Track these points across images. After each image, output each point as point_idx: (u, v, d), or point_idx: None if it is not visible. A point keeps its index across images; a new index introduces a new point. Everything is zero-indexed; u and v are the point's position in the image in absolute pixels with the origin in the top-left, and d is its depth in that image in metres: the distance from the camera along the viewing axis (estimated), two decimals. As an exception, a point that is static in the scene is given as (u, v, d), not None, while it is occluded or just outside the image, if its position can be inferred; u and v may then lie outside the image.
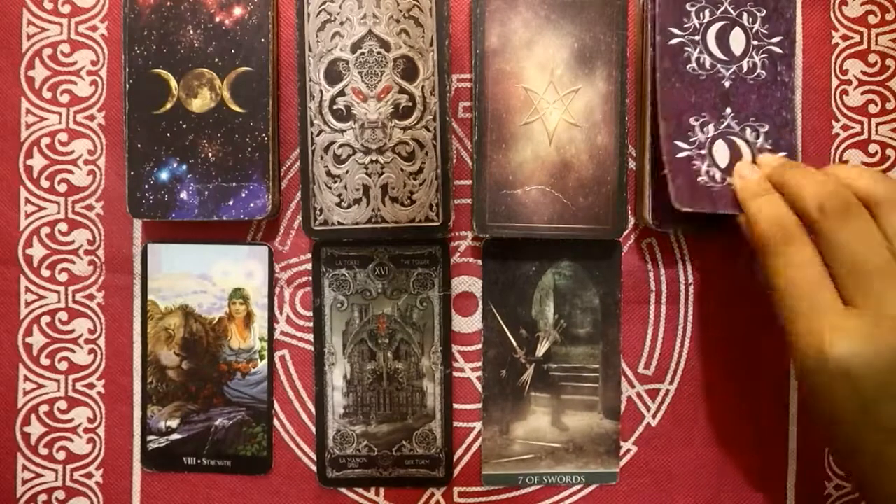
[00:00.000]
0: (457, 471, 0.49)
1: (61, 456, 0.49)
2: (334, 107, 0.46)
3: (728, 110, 0.45)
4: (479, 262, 0.49)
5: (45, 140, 0.49)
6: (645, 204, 0.47)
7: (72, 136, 0.49)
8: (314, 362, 0.49)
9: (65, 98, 0.49)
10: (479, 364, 0.49)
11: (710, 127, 0.45)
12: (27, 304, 0.49)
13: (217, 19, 0.46)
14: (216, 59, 0.46)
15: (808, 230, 0.38)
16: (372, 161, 0.46)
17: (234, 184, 0.46)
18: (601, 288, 0.48)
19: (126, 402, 0.49)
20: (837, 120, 0.49)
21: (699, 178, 0.44)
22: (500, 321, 0.49)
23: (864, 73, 0.49)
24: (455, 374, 0.49)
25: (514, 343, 0.49)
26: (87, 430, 0.49)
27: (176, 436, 0.49)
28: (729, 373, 0.49)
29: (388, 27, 0.46)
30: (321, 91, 0.46)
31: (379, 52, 0.46)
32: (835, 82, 0.49)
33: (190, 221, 0.47)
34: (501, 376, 0.49)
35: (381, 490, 0.49)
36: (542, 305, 0.48)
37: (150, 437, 0.49)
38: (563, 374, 0.48)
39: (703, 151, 0.45)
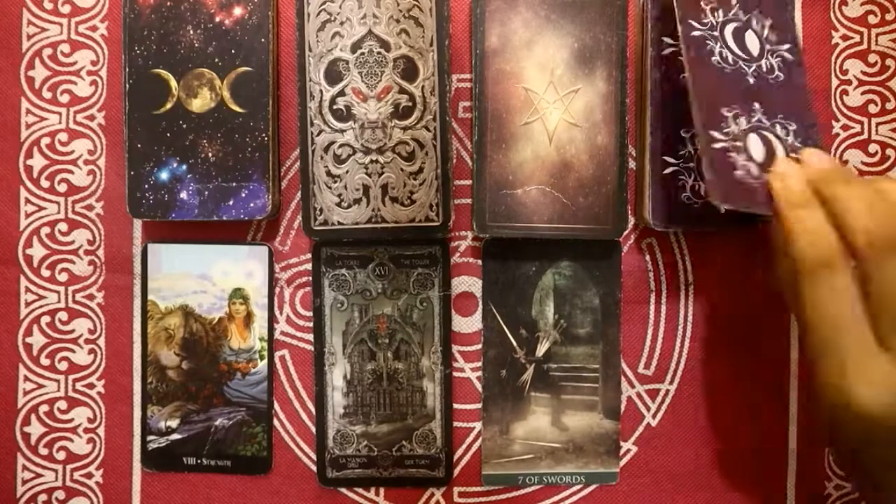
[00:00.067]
0: (457, 471, 0.49)
1: (61, 456, 0.49)
2: (334, 107, 0.46)
3: (756, 105, 0.43)
4: (479, 262, 0.49)
5: (45, 140, 0.49)
6: (645, 204, 0.47)
7: (72, 136, 0.49)
8: (314, 362, 0.49)
9: (65, 98, 0.49)
10: (479, 364, 0.49)
11: (743, 119, 0.42)
12: (27, 304, 0.49)
13: (217, 19, 0.46)
14: (216, 59, 0.46)
15: (848, 254, 0.35)
16: (372, 161, 0.46)
17: (234, 184, 0.46)
18: (601, 288, 0.48)
19: (126, 402, 0.49)
20: (837, 120, 0.49)
21: (736, 172, 0.41)
22: (500, 321, 0.49)
23: (864, 73, 0.49)
24: (455, 374, 0.49)
25: (514, 343, 0.49)
26: (87, 430, 0.49)
27: (176, 436, 0.49)
28: (729, 373, 0.49)
29: (388, 27, 0.46)
30: (321, 91, 0.46)
31: (379, 52, 0.46)
32: (835, 82, 0.49)
33: (190, 221, 0.47)
34: (501, 376, 0.49)
35: (381, 490, 0.49)
36: (542, 305, 0.48)
37: (150, 437, 0.49)
38: (563, 374, 0.48)
39: (738, 143, 0.41)
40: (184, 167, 0.46)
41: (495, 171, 0.46)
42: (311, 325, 0.49)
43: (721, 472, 0.49)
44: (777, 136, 0.43)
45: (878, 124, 0.49)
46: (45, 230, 0.49)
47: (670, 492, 0.49)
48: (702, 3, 0.45)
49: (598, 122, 0.46)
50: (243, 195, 0.46)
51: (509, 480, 0.49)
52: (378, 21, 0.46)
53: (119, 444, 0.49)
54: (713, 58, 0.43)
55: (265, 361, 0.49)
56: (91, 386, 0.49)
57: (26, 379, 0.49)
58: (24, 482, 0.49)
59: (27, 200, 0.49)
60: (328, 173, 0.46)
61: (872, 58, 0.49)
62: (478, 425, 0.49)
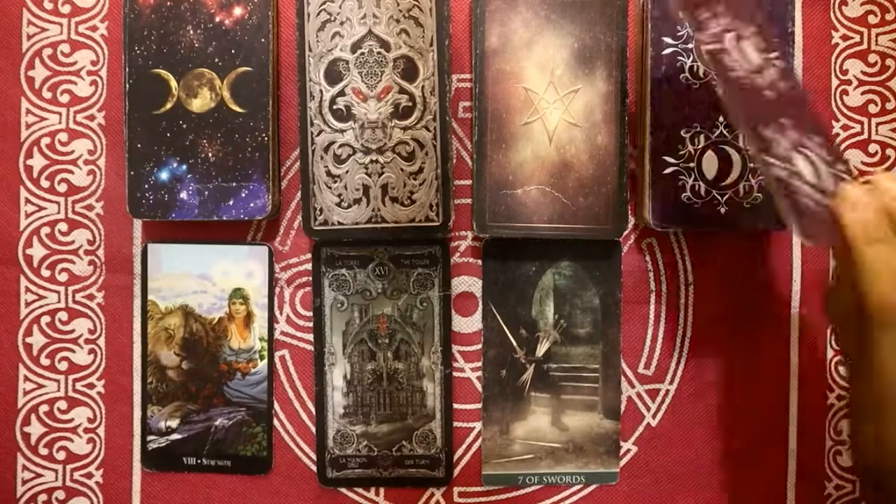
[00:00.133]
0: (457, 471, 0.49)
1: (61, 456, 0.49)
2: (334, 107, 0.46)
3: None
4: (479, 262, 0.49)
5: (45, 140, 0.49)
6: (645, 204, 0.47)
7: (72, 136, 0.49)
8: (314, 362, 0.49)
9: (65, 98, 0.49)
10: (479, 364, 0.49)
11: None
12: (27, 304, 0.49)
13: (217, 19, 0.46)
14: (216, 59, 0.46)
15: None
16: (372, 161, 0.46)
17: (234, 184, 0.46)
18: (601, 288, 0.48)
19: (126, 402, 0.49)
20: (837, 120, 0.49)
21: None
22: (500, 321, 0.49)
23: (864, 73, 0.49)
24: (455, 374, 0.49)
25: (514, 343, 0.48)
26: (87, 430, 0.49)
27: (176, 436, 0.49)
28: (729, 373, 0.49)
29: (388, 27, 0.46)
30: (321, 91, 0.46)
31: (379, 52, 0.46)
32: (835, 82, 0.49)
33: (190, 221, 0.47)
34: (501, 376, 0.49)
35: (381, 490, 0.49)
36: (542, 305, 0.48)
37: (150, 437, 0.49)
38: (563, 374, 0.48)
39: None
40: (184, 167, 0.46)
41: (495, 171, 0.46)
42: (311, 325, 0.49)
43: (721, 472, 0.49)
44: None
45: (878, 124, 0.49)
46: (45, 230, 0.49)
47: (670, 492, 0.49)
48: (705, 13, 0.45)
49: (598, 122, 0.46)
50: (243, 195, 0.46)
51: (509, 480, 0.49)
52: (378, 21, 0.46)
53: (119, 444, 0.49)
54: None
55: (265, 361, 0.49)
56: (91, 386, 0.49)
57: (26, 379, 0.49)
58: (24, 482, 0.49)
59: (27, 200, 0.49)
60: (328, 173, 0.46)
61: (872, 58, 0.49)
62: (478, 425, 0.49)
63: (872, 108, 0.49)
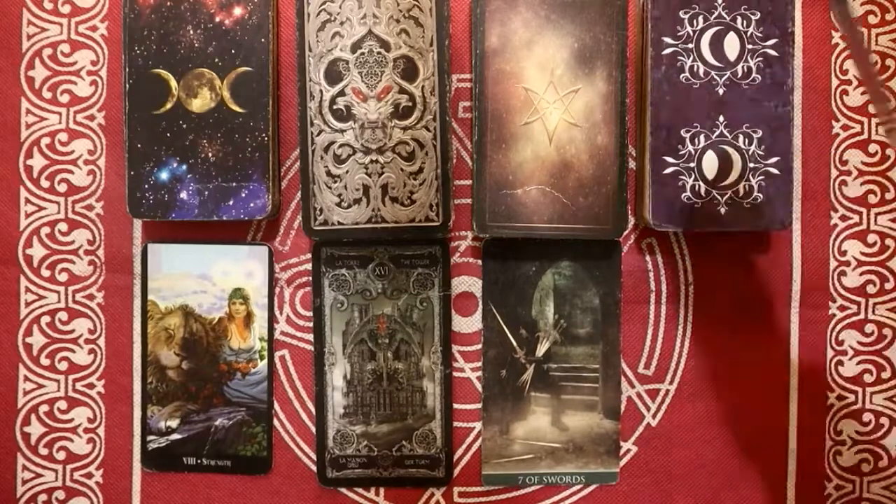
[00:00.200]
0: (457, 471, 0.49)
1: (61, 456, 0.49)
2: (334, 107, 0.46)
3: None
4: (479, 262, 0.49)
5: (45, 140, 0.49)
6: (645, 204, 0.47)
7: (72, 136, 0.49)
8: (314, 362, 0.49)
9: (65, 98, 0.49)
10: (479, 364, 0.49)
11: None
12: (27, 304, 0.49)
13: (217, 19, 0.46)
14: (216, 59, 0.46)
15: None
16: (372, 161, 0.46)
17: (234, 184, 0.46)
18: (601, 288, 0.48)
19: (126, 402, 0.49)
20: (837, 120, 0.49)
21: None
22: (500, 321, 0.49)
23: (864, 73, 0.49)
24: (455, 374, 0.49)
25: (514, 343, 0.49)
26: (87, 430, 0.49)
27: (176, 436, 0.49)
28: (729, 373, 0.49)
29: (388, 27, 0.46)
30: (321, 91, 0.46)
31: (379, 52, 0.46)
32: (835, 82, 0.49)
33: (190, 221, 0.47)
34: (501, 376, 0.49)
35: (381, 490, 0.49)
36: (542, 305, 0.48)
37: (150, 437, 0.49)
38: (563, 374, 0.48)
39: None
40: (184, 167, 0.46)
41: (495, 171, 0.46)
42: (311, 325, 0.49)
43: (721, 472, 0.49)
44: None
45: (878, 124, 0.49)
46: (45, 230, 0.49)
47: (670, 492, 0.49)
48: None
49: (598, 122, 0.46)
50: (243, 195, 0.46)
51: (509, 480, 0.49)
52: (378, 21, 0.46)
53: (119, 444, 0.49)
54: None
55: (265, 361, 0.49)
56: (91, 386, 0.49)
57: (26, 379, 0.49)
58: (24, 482, 0.49)
59: (27, 200, 0.49)
60: (328, 173, 0.46)
61: (873, 57, 0.49)
62: (478, 425, 0.49)
63: (873, 108, 0.49)
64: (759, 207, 0.46)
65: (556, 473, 0.49)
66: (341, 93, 0.46)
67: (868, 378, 0.49)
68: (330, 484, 0.49)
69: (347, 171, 0.46)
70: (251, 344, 0.49)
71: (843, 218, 0.49)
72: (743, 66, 0.46)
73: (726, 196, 0.46)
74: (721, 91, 0.46)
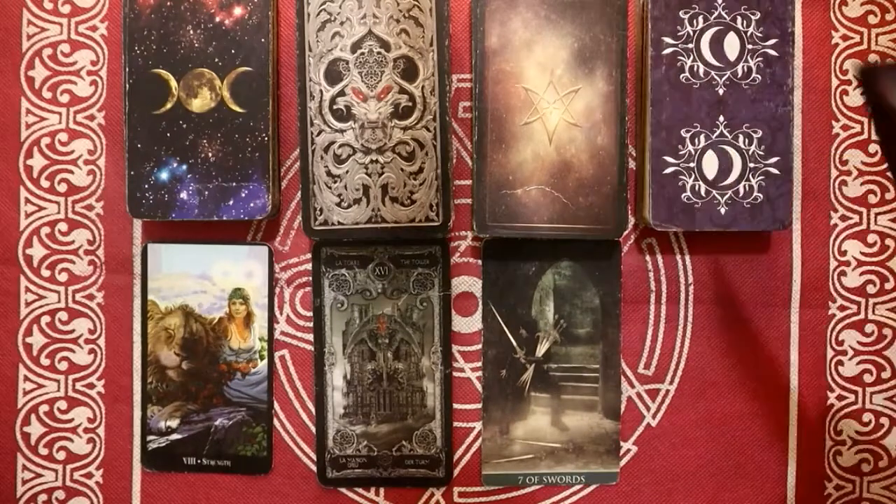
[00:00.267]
0: (457, 471, 0.49)
1: (61, 456, 0.49)
2: (334, 107, 0.46)
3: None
4: (479, 262, 0.49)
5: (45, 140, 0.49)
6: (645, 204, 0.47)
7: (72, 136, 0.49)
8: (314, 362, 0.49)
9: (65, 98, 0.49)
10: (479, 364, 0.49)
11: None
12: (27, 304, 0.49)
13: (217, 19, 0.46)
14: (216, 59, 0.46)
15: None
16: (372, 161, 0.46)
17: (234, 184, 0.46)
18: (601, 288, 0.48)
19: (126, 402, 0.49)
20: (837, 120, 0.49)
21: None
22: (500, 321, 0.49)
23: (864, 73, 0.49)
24: (455, 374, 0.49)
25: (514, 343, 0.48)
26: (87, 430, 0.49)
27: (176, 436, 0.49)
28: (729, 373, 0.49)
29: (388, 27, 0.46)
30: (321, 91, 0.46)
31: (379, 52, 0.46)
32: (835, 82, 0.49)
33: (190, 221, 0.47)
34: (501, 376, 0.49)
35: (381, 490, 0.49)
36: (542, 305, 0.48)
37: (150, 437, 0.49)
38: (563, 374, 0.48)
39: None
40: (184, 167, 0.46)
41: (495, 171, 0.46)
42: (311, 325, 0.49)
43: (721, 472, 0.49)
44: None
45: (878, 124, 0.49)
46: (45, 230, 0.49)
47: (670, 492, 0.49)
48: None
49: (598, 122, 0.46)
50: (243, 195, 0.46)
51: (509, 480, 0.49)
52: (378, 21, 0.46)
53: (119, 444, 0.49)
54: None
55: (265, 361, 0.49)
56: (91, 386, 0.49)
57: (26, 379, 0.49)
58: (24, 482, 0.49)
59: (27, 200, 0.49)
60: (328, 173, 0.46)
61: (872, 58, 0.49)
62: (478, 425, 0.49)
63: None
64: (759, 207, 0.46)
65: (556, 473, 0.49)
66: (341, 93, 0.46)
67: (868, 378, 0.49)
68: (330, 484, 0.49)
69: (347, 171, 0.46)
70: (251, 344, 0.49)
71: (843, 218, 0.49)
72: (743, 66, 0.46)
73: (726, 196, 0.46)
74: (721, 91, 0.46)
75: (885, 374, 0.49)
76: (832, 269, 0.49)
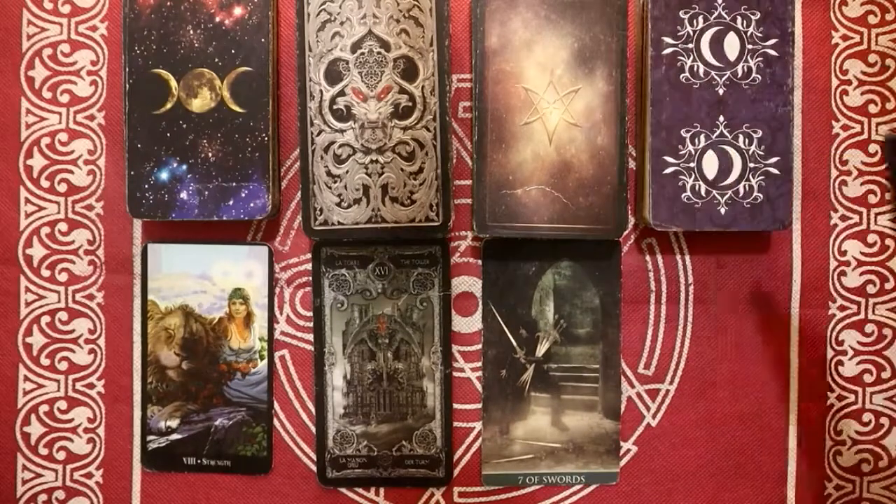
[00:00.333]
0: (457, 471, 0.49)
1: (61, 456, 0.49)
2: (334, 107, 0.46)
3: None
4: (479, 262, 0.49)
5: (45, 140, 0.49)
6: (645, 204, 0.47)
7: (72, 136, 0.49)
8: (314, 362, 0.49)
9: (65, 98, 0.49)
10: (479, 364, 0.49)
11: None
12: (27, 304, 0.49)
13: (217, 19, 0.46)
14: (216, 59, 0.46)
15: None
16: (372, 161, 0.46)
17: (234, 184, 0.46)
18: (601, 288, 0.48)
19: (126, 402, 0.49)
20: (837, 120, 0.49)
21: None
22: (500, 321, 0.49)
23: (864, 73, 0.49)
24: (455, 374, 0.49)
25: (514, 343, 0.49)
26: (87, 430, 0.49)
27: (176, 436, 0.49)
28: (729, 373, 0.49)
29: (388, 27, 0.46)
30: (321, 91, 0.46)
31: (379, 52, 0.46)
32: (835, 82, 0.49)
33: (190, 221, 0.47)
34: (501, 376, 0.49)
35: (381, 490, 0.49)
36: (542, 305, 0.48)
37: (150, 437, 0.49)
38: (563, 374, 0.48)
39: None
40: (184, 167, 0.46)
41: (495, 171, 0.46)
42: (311, 325, 0.49)
43: (721, 472, 0.49)
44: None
45: (878, 124, 0.49)
46: (45, 230, 0.49)
47: (670, 492, 0.49)
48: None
49: (598, 122, 0.46)
50: (243, 195, 0.46)
51: (509, 480, 0.49)
52: (378, 21, 0.46)
53: (119, 444, 0.49)
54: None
55: (265, 361, 0.49)
56: (91, 386, 0.49)
57: (26, 379, 0.49)
58: (24, 482, 0.49)
59: (27, 200, 0.49)
60: (328, 173, 0.46)
61: (872, 58, 0.49)
62: (478, 425, 0.49)
63: (872, 108, 0.49)
64: (759, 207, 0.46)
65: (556, 473, 0.49)
66: (341, 93, 0.46)
67: (868, 378, 0.49)
68: (330, 484, 0.49)
69: (347, 171, 0.46)
70: (251, 344, 0.49)
71: (843, 218, 0.49)
72: (743, 66, 0.46)
73: (726, 196, 0.46)
74: (721, 91, 0.46)
75: (885, 374, 0.49)
76: (832, 269, 0.49)
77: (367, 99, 0.46)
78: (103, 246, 0.49)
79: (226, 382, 0.49)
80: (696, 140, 0.46)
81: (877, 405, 0.49)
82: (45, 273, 0.49)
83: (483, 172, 0.46)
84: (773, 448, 0.49)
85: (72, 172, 0.49)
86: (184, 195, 0.46)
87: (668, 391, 0.49)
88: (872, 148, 0.49)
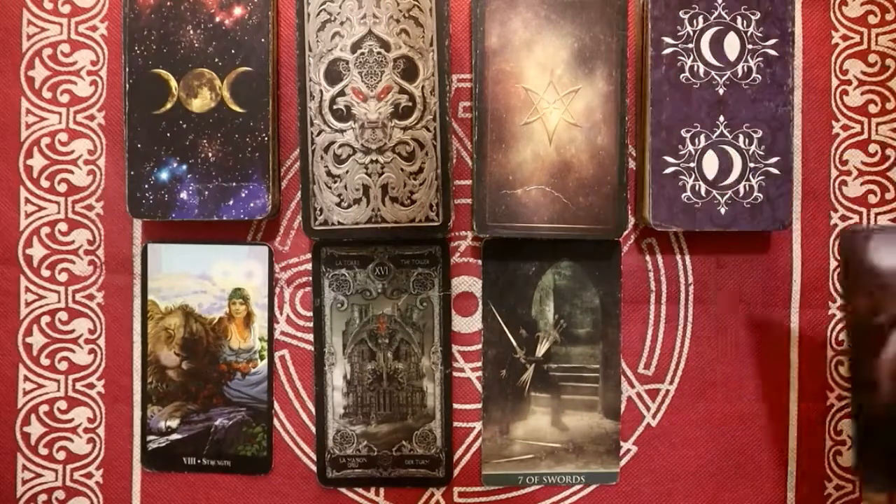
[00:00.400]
0: (457, 471, 0.49)
1: (61, 456, 0.49)
2: (334, 107, 0.46)
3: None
4: (479, 262, 0.49)
5: (45, 140, 0.49)
6: (645, 204, 0.47)
7: (72, 136, 0.49)
8: (314, 362, 0.49)
9: (65, 98, 0.49)
10: (479, 364, 0.49)
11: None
12: (27, 304, 0.49)
13: (217, 19, 0.46)
14: (216, 59, 0.46)
15: None
16: (372, 161, 0.46)
17: (234, 184, 0.46)
18: (601, 288, 0.48)
19: (126, 402, 0.49)
20: (837, 120, 0.49)
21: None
22: (500, 321, 0.49)
23: (864, 73, 0.49)
24: (455, 374, 0.49)
25: (514, 343, 0.49)
26: (87, 430, 0.49)
27: (176, 436, 0.49)
28: (729, 373, 0.49)
29: (388, 27, 0.46)
30: (321, 91, 0.46)
31: (379, 52, 0.46)
32: (835, 82, 0.49)
33: (190, 221, 0.47)
34: (501, 376, 0.49)
35: (381, 490, 0.49)
36: (542, 305, 0.48)
37: (150, 437, 0.49)
38: (563, 374, 0.48)
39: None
40: (184, 167, 0.46)
41: (495, 171, 0.46)
42: (311, 325, 0.49)
43: (721, 472, 0.49)
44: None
45: (878, 124, 0.49)
46: (45, 230, 0.49)
47: (670, 492, 0.49)
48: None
49: (598, 122, 0.46)
50: (243, 195, 0.46)
51: (509, 480, 0.49)
52: (378, 21, 0.46)
53: (119, 444, 0.49)
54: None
55: (265, 361, 0.49)
56: (91, 386, 0.49)
57: (26, 379, 0.49)
58: (24, 482, 0.49)
59: (27, 200, 0.49)
60: (328, 173, 0.46)
61: (872, 58, 0.49)
62: (478, 425, 0.49)
63: (872, 108, 0.49)
64: (759, 207, 0.46)
65: (556, 473, 0.49)
66: (341, 93, 0.46)
67: (868, 378, 0.49)
68: (330, 484, 0.49)
69: (347, 171, 0.46)
70: (251, 344, 0.49)
71: (843, 218, 0.49)
72: (743, 66, 0.46)
73: (726, 196, 0.46)
74: (721, 91, 0.46)
75: (885, 374, 0.49)
76: (832, 270, 0.49)
77: (367, 99, 0.46)
78: (103, 246, 0.49)
79: (226, 382, 0.49)
80: (696, 140, 0.46)
81: (877, 405, 0.49)
82: (45, 273, 0.49)
83: (483, 172, 0.46)
84: (773, 448, 0.49)
85: (72, 172, 0.49)
86: (184, 195, 0.46)
87: (668, 391, 0.49)
88: (872, 148, 0.49)
